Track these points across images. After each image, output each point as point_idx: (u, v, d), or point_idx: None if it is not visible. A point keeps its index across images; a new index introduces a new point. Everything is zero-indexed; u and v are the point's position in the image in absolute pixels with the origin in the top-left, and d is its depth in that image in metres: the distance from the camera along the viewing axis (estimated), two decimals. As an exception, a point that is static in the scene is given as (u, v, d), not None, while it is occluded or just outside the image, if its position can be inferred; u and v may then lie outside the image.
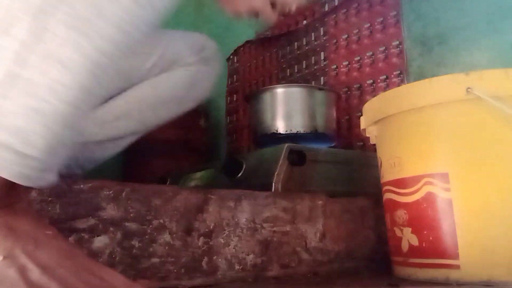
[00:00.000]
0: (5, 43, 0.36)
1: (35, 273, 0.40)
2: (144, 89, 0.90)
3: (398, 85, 1.17)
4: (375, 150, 0.81)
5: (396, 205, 0.71)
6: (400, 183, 0.70)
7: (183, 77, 0.92)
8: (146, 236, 0.62)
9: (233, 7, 0.79)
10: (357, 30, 1.34)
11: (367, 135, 0.80)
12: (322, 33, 1.47)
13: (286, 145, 0.89)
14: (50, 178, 0.41)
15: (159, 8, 0.41)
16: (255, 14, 0.78)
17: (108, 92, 0.41)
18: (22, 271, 0.40)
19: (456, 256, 0.63)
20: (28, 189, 0.42)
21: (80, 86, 0.38)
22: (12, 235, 0.40)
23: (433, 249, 0.65)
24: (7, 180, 0.38)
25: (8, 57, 0.36)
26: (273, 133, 1.11)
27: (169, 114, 0.96)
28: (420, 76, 1.15)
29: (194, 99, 0.99)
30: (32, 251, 0.41)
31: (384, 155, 0.75)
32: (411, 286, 0.63)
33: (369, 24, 1.31)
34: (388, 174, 0.74)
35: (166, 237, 0.64)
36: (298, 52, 1.57)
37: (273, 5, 0.78)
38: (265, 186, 0.83)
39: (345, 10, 1.40)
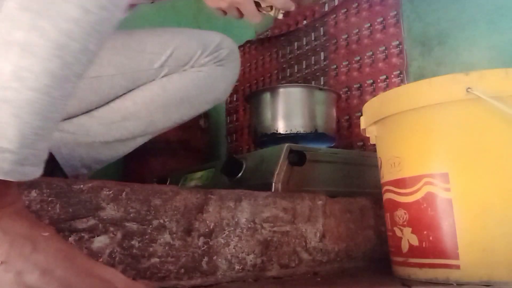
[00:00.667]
0: None
1: (33, 275, 0.40)
2: (153, 90, 0.87)
3: (398, 85, 1.17)
4: (375, 150, 0.81)
5: (396, 205, 0.71)
6: (400, 183, 0.70)
7: (194, 78, 0.89)
8: (146, 236, 0.62)
9: (216, 3, 0.77)
10: (357, 30, 1.34)
11: (367, 135, 0.80)
12: (322, 33, 1.47)
13: (286, 145, 0.89)
14: (30, 171, 0.39)
15: None
16: (238, 12, 0.77)
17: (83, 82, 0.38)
18: (20, 275, 0.39)
19: (456, 256, 0.63)
20: (22, 190, 0.41)
21: (47, 71, 0.36)
22: (8, 239, 0.40)
23: (433, 249, 0.65)
24: None
25: None
26: (273, 133, 1.11)
27: (181, 116, 0.93)
28: (420, 76, 1.15)
29: (208, 101, 0.94)
30: (30, 254, 0.41)
31: (384, 155, 0.75)
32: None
33: (369, 24, 1.31)
34: (388, 174, 0.74)
35: (166, 237, 0.64)
36: (298, 52, 1.57)
37: (257, 4, 0.76)
38: (265, 186, 0.83)
39: (345, 10, 1.40)
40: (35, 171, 0.40)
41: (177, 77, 0.88)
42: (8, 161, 0.36)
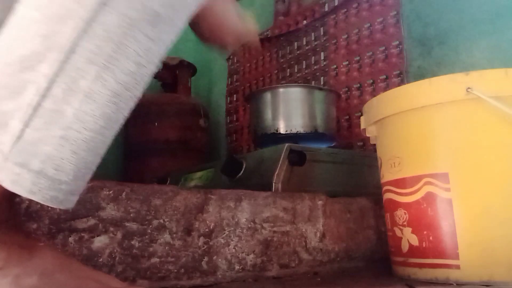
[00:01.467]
0: (31, 78, 0.39)
1: (32, 279, 0.41)
2: None
3: (398, 85, 1.17)
4: (375, 150, 0.81)
5: (396, 205, 0.71)
6: (400, 183, 0.70)
7: None
8: (146, 236, 0.62)
9: (213, 40, 0.78)
10: (357, 30, 1.34)
11: (367, 135, 0.80)
12: (322, 33, 1.47)
13: (286, 145, 0.89)
14: (75, 199, 0.43)
15: (167, 43, 0.46)
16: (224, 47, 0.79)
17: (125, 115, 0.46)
18: (18, 278, 0.41)
19: (456, 256, 0.63)
20: (17, 206, 0.43)
21: (103, 114, 0.41)
22: (5, 248, 0.42)
23: (433, 249, 0.65)
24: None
25: (33, 90, 0.39)
26: (273, 133, 1.11)
27: None
28: (420, 76, 1.15)
29: None
30: (28, 261, 0.42)
31: (384, 155, 0.75)
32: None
33: (369, 24, 1.31)
34: (388, 174, 0.74)
35: (166, 237, 0.64)
36: (298, 52, 1.57)
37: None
38: (265, 186, 0.83)
39: (345, 10, 1.40)
40: (77, 198, 0.44)
41: None
42: (63, 192, 0.41)
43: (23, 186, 0.38)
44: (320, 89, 1.19)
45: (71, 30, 0.38)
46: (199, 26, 0.72)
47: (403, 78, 1.19)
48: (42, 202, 0.40)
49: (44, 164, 0.39)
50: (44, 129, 0.39)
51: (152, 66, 0.45)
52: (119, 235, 0.60)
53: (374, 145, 0.81)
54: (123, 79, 0.42)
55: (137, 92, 0.44)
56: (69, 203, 0.42)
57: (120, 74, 0.42)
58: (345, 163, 0.99)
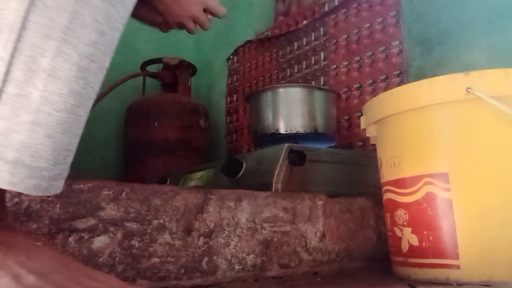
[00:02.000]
0: None
1: (30, 279, 0.41)
2: None
3: (398, 85, 1.16)
4: (375, 150, 0.81)
5: (396, 205, 0.71)
6: (400, 183, 0.70)
7: None
8: (146, 236, 0.62)
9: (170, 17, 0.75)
10: (357, 30, 1.34)
11: (367, 135, 0.80)
12: (322, 33, 1.47)
13: (286, 145, 0.89)
14: (61, 184, 0.42)
15: (128, 5, 0.43)
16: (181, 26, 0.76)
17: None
18: (17, 278, 0.40)
19: (456, 256, 0.63)
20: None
21: (72, 92, 0.39)
22: (3, 249, 0.41)
23: (433, 249, 0.65)
24: None
25: None
26: (273, 133, 1.11)
27: None
28: (420, 76, 1.15)
29: None
30: (25, 261, 0.42)
31: (384, 155, 0.75)
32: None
33: (369, 24, 1.31)
34: (388, 174, 0.74)
35: (166, 237, 0.64)
36: (298, 52, 1.57)
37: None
38: (265, 186, 0.83)
39: (345, 10, 1.40)
40: (62, 183, 0.42)
41: None
42: (45, 179, 0.39)
43: (2, 179, 0.37)
44: (320, 89, 1.19)
45: (17, 4, 0.35)
46: (155, 8, 0.68)
47: (403, 78, 1.19)
48: (25, 192, 0.38)
49: (20, 153, 0.37)
50: (12, 117, 0.36)
51: (116, 32, 0.42)
52: (119, 235, 0.60)
53: (374, 145, 0.81)
54: (86, 51, 0.39)
55: (104, 62, 0.42)
56: (55, 188, 0.41)
57: (81, 46, 0.39)
58: (345, 163, 0.99)
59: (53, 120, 0.38)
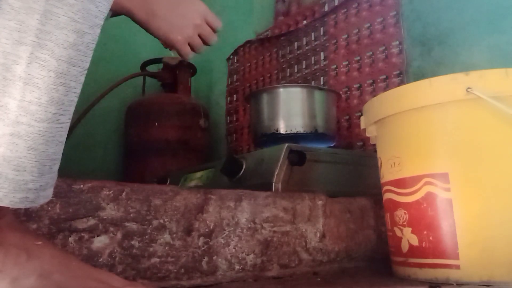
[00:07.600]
0: None
1: (30, 280, 0.40)
2: None
3: (398, 85, 1.17)
4: (375, 150, 0.81)
5: (396, 205, 0.71)
6: (400, 183, 0.70)
7: None
8: (146, 236, 0.62)
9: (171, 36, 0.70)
10: (357, 30, 1.34)
11: (367, 135, 0.80)
12: (322, 33, 1.47)
13: (286, 145, 0.89)
14: (49, 193, 0.40)
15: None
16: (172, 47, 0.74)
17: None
18: (16, 281, 0.40)
19: (456, 256, 0.63)
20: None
21: (52, 100, 0.36)
22: (2, 250, 0.40)
23: (433, 249, 0.65)
24: None
25: None
26: (273, 133, 1.11)
27: None
28: (420, 76, 1.15)
29: None
30: (25, 262, 0.41)
31: (384, 155, 0.75)
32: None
33: (369, 24, 1.31)
34: (388, 174, 0.74)
35: (166, 237, 0.64)
36: (298, 52, 1.57)
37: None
38: (265, 186, 0.83)
39: (345, 10, 1.40)
40: (51, 192, 0.41)
41: None
42: (32, 191, 0.37)
43: None
44: (320, 89, 1.19)
45: None
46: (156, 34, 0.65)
47: (403, 78, 1.19)
48: (12, 206, 0.36)
49: (1, 167, 0.35)
50: None
51: (96, 29, 0.38)
52: (119, 235, 0.60)
53: (374, 145, 0.81)
54: (64, 54, 0.36)
55: (86, 64, 0.38)
56: (43, 198, 0.39)
57: (58, 49, 0.35)
58: (345, 163, 0.99)
59: (34, 132, 0.36)
